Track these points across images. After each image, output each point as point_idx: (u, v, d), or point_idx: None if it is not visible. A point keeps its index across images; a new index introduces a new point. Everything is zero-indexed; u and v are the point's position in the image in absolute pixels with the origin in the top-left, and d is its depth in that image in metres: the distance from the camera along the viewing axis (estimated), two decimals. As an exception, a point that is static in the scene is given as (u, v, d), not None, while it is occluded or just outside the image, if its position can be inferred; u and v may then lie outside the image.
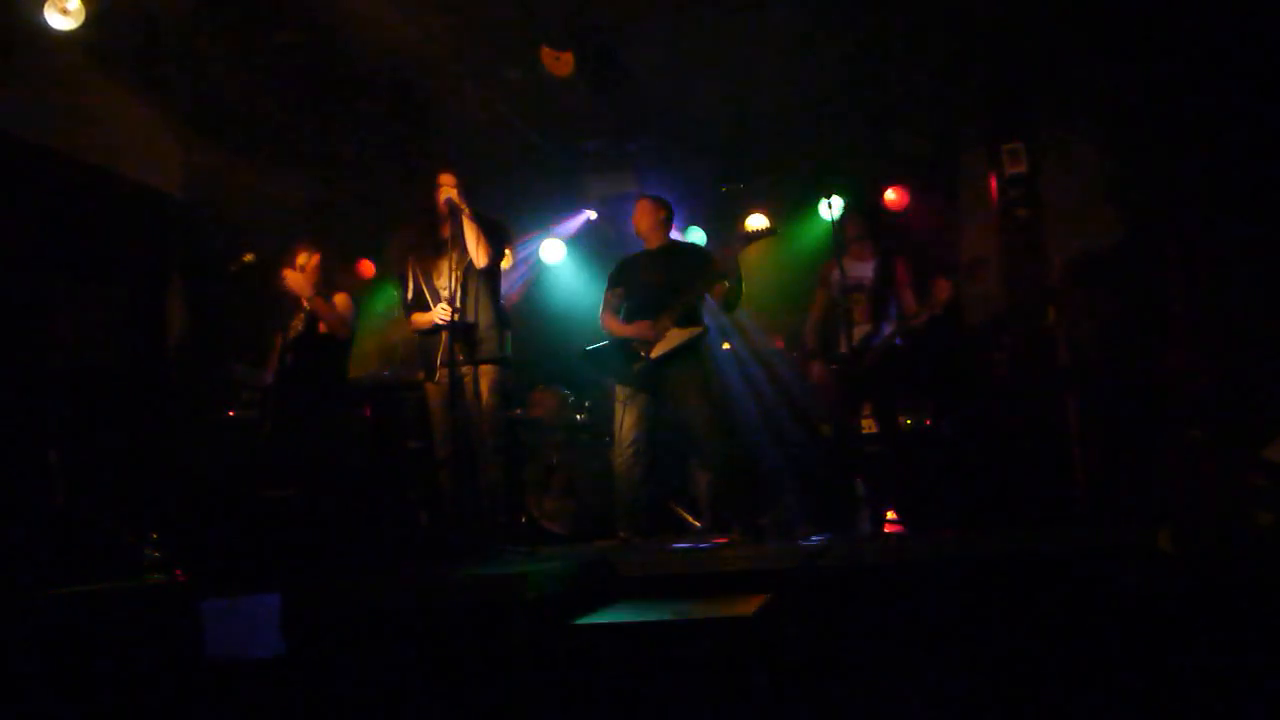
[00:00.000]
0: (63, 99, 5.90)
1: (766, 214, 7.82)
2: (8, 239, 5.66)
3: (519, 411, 7.15)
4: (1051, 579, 3.89)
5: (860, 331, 5.55)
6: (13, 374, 5.53)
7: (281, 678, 3.59)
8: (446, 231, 5.03)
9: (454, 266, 4.89)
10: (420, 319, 5.12)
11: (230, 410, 6.34)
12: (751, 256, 6.30)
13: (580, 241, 8.48)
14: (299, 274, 5.52)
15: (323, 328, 5.59)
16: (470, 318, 4.95)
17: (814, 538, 4.76)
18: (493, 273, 5.09)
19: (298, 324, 5.61)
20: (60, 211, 5.94)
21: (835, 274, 5.64)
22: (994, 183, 6.96)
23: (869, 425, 5.80)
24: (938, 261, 6.18)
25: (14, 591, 4.28)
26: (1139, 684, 3.58)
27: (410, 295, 5.16)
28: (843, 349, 5.59)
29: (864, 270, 5.74)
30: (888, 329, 5.61)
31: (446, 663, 3.56)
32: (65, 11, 5.21)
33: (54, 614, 3.98)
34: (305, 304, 5.55)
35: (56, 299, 6.01)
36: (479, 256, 4.95)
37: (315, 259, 5.66)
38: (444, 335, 4.94)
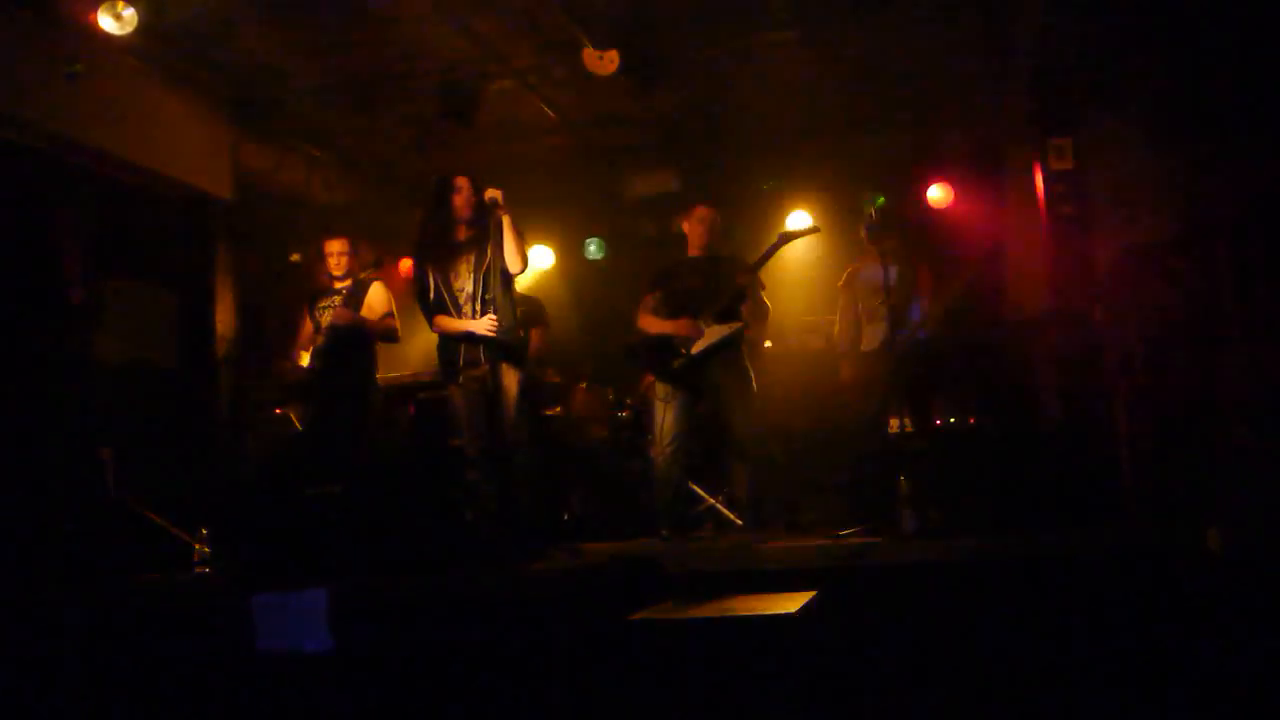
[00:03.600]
0: (114, 103, 6.02)
1: (809, 212, 7.80)
2: (62, 240, 5.78)
3: (561, 410, 7.18)
4: (1099, 579, 3.85)
5: (880, 330, 5.54)
6: (68, 373, 5.64)
7: (329, 672, 3.64)
8: (462, 234, 5.01)
9: (478, 268, 4.88)
10: (447, 323, 4.97)
11: (277, 408, 6.43)
12: (793, 255, 6.30)
13: (624, 240, 8.50)
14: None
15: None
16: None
17: (856, 535, 4.74)
18: (510, 273, 5.02)
19: (330, 311, 5.69)
20: (112, 213, 6.05)
21: (860, 275, 5.75)
22: (1040, 178, 6.88)
23: (910, 424, 5.76)
24: (956, 261, 6.14)
25: (67, 584, 4.37)
26: (1188, 685, 3.54)
27: (432, 298, 5.01)
28: (864, 347, 5.66)
29: (888, 275, 5.59)
30: (904, 329, 5.56)
31: (492, 659, 3.59)
32: (119, 17, 5.30)
33: (106, 606, 4.07)
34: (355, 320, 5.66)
35: (108, 299, 6.13)
36: (515, 261, 4.88)
37: (344, 244, 5.81)
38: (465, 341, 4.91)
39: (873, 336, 5.63)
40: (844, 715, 3.60)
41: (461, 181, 5.00)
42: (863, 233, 5.73)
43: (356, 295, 5.77)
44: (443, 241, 5.03)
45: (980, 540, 4.12)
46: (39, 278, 5.58)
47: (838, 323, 5.98)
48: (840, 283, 6.00)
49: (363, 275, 5.81)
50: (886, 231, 5.74)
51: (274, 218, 7.33)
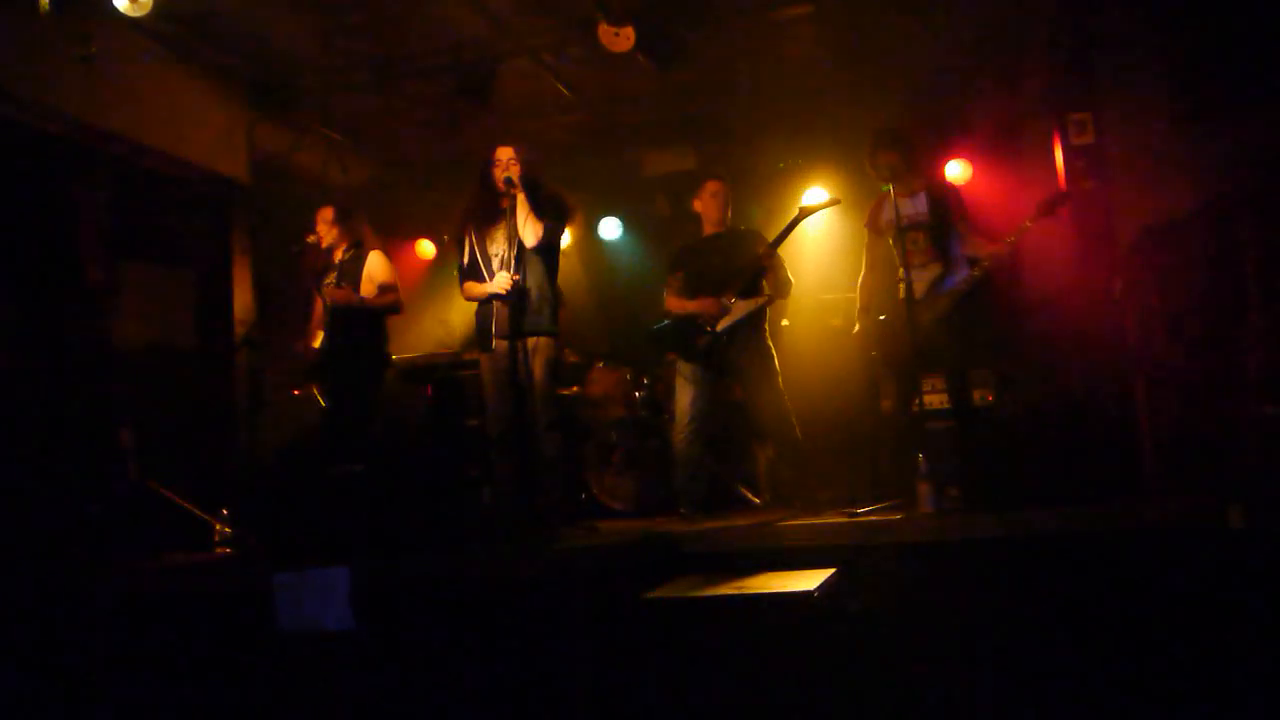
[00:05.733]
0: (130, 87, 6.02)
1: (826, 187, 7.74)
2: (80, 224, 5.80)
3: (578, 389, 7.19)
4: (1120, 556, 3.83)
5: (929, 274, 5.07)
6: (87, 356, 5.67)
7: (350, 649, 3.66)
8: (505, 202, 5.06)
9: (510, 236, 4.95)
10: (474, 289, 5.14)
11: (295, 389, 6.47)
12: (810, 231, 6.25)
13: (639, 218, 8.47)
14: (339, 290, 5.66)
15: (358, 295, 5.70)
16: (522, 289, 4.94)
17: (875, 513, 4.73)
18: (549, 246, 5.09)
19: (332, 283, 5.70)
20: (129, 196, 6.07)
21: (885, 214, 5.12)
22: (1060, 154, 6.82)
23: (931, 400, 5.65)
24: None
25: (91, 565, 4.41)
26: (1209, 662, 3.53)
27: (465, 262, 5.18)
28: (902, 295, 4.81)
29: (916, 206, 5.17)
30: (960, 270, 5.09)
31: (510, 636, 3.60)
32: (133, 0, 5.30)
33: (129, 587, 4.10)
34: (355, 299, 5.66)
35: (128, 282, 6.15)
36: (527, 235, 4.97)
37: (330, 213, 5.81)
38: (497, 306, 4.98)
39: (907, 286, 4.77)
40: (863, 693, 3.60)
41: (500, 154, 5.09)
42: (873, 157, 5.11)
43: (353, 270, 5.74)
44: (485, 209, 5.13)
45: (999, 518, 4.09)
46: (57, 261, 5.60)
47: (863, 275, 5.49)
48: (865, 218, 5.50)
49: (344, 254, 5.78)
50: (901, 157, 5.09)
51: (290, 200, 7.34)
